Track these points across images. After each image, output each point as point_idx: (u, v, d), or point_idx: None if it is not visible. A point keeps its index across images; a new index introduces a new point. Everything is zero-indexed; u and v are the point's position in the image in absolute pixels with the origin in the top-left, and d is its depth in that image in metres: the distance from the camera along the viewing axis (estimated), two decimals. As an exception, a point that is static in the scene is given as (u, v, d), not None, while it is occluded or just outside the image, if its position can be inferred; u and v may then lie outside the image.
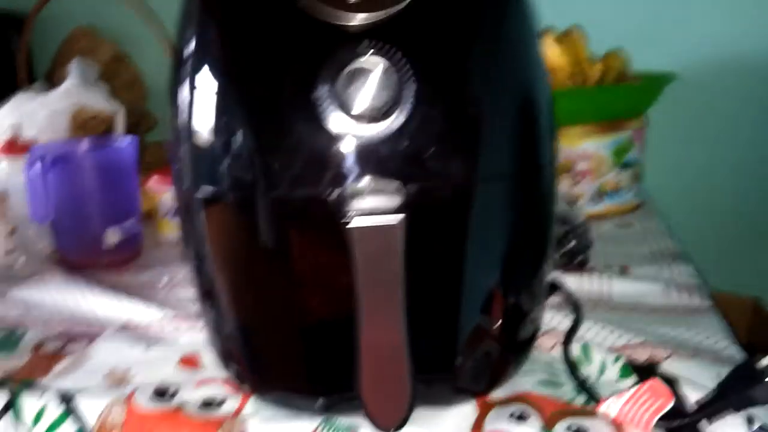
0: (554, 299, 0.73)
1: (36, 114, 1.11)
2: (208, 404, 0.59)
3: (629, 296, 0.77)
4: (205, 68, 0.50)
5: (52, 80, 1.42)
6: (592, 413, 0.55)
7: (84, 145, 0.99)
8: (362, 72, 0.45)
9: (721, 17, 1.34)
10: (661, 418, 0.52)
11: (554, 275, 0.77)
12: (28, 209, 0.88)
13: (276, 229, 0.50)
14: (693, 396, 0.54)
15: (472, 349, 0.54)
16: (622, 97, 1.08)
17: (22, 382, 0.63)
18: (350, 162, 0.46)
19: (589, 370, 0.61)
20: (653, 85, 1.10)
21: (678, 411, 0.52)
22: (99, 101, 1.18)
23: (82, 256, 0.95)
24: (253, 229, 0.50)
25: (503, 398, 0.58)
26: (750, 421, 0.51)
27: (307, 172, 0.47)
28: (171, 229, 1.04)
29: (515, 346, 0.59)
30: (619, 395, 0.54)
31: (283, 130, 0.46)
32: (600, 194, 1.06)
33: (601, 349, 0.62)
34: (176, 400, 0.59)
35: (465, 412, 0.56)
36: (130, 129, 1.22)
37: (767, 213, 1.41)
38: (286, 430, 0.55)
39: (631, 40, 1.17)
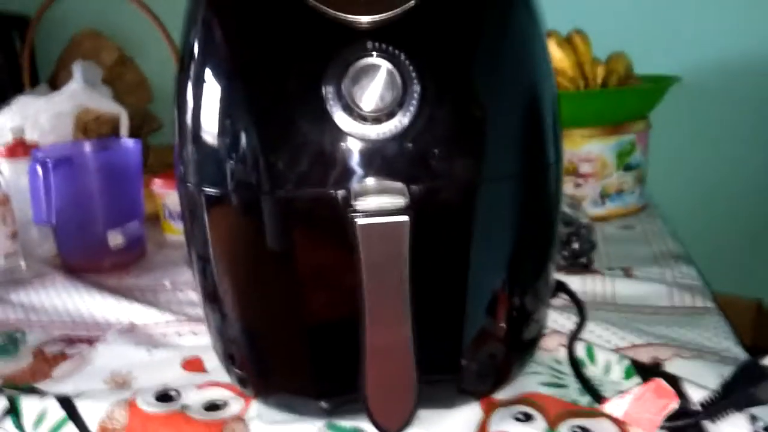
0: (558, 300, 0.73)
1: (40, 116, 1.11)
2: (211, 407, 0.59)
3: (633, 297, 0.77)
4: (212, 67, 0.50)
5: (55, 82, 1.42)
6: (596, 414, 0.55)
7: (88, 147, 0.99)
8: (369, 72, 0.45)
9: (724, 21, 1.34)
10: (666, 418, 0.51)
11: (558, 276, 0.77)
12: (31, 211, 0.88)
13: (280, 229, 0.49)
14: (696, 396, 0.54)
15: (477, 350, 0.54)
16: (625, 99, 1.08)
17: (23, 385, 0.63)
18: (355, 162, 0.46)
19: (593, 371, 0.61)
20: (656, 88, 1.10)
21: (682, 411, 0.52)
22: (103, 103, 1.18)
23: (84, 259, 0.95)
24: (258, 229, 0.50)
25: (507, 399, 0.57)
26: (753, 420, 0.51)
27: (312, 172, 0.47)
28: (174, 232, 1.04)
29: (520, 347, 0.59)
30: (623, 395, 0.53)
31: (288, 130, 0.46)
32: (603, 196, 1.06)
33: (605, 350, 0.62)
34: (179, 403, 0.59)
35: (469, 413, 0.56)
36: (134, 131, 1.22)
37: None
38: (289, 432, 0.55)
39: (634, 43, 1.17)
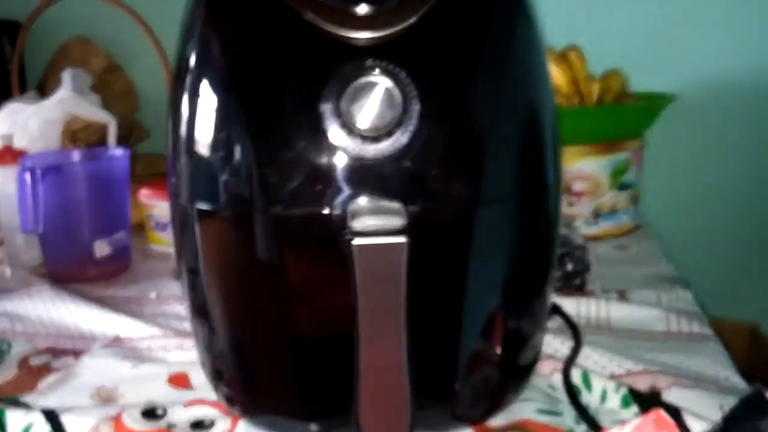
0: (552, 323, 0.72)
1: (28, 123, 1.10)
2: (197, 425, 0.58)
3: (628, 322, 0.75)
4: (207, 81, 0.49)
5: (44, 89, 1.41)
6: (593, 444, 0.54)
7: (76, 155, 0.99)
8: (368, 90, 0.44)
9: (720, 39, 1.34)
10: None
11: (553, 298, 0.76)
12: (18, 220, 0.87)
13: (273, 246, 0.48)
14: (697, 428, 0.53)
15: (472, 374, 0.53)
16: (620, 117, 1.07)
17: (7, 398, 0.62)
18: (351, 180, 0.45)
19: (589, 399, 0.60)
20: (652, 106, 1.10)
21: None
22: (91, 111, 1.17)
23: (69, 269, 0.94)
24: (250, 245, 0.49)
25: (501, 426, 0.56)
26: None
27: (307, 189, 0.46)
28: (160, 242, 1.02)
29: (515, 372, 0.57)
30: (621, 426, 0.52)
31: (284, 146, 0.45)
32: (596, 215, 1.05)
33: (602, 377, 0.61)
34: (165, 420, 0.58)
35: (462, 439, 0.55)
36: (121, 140, 1.21)
37: (765, 237, 1.40)
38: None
39: (630, 60, 1.17)
